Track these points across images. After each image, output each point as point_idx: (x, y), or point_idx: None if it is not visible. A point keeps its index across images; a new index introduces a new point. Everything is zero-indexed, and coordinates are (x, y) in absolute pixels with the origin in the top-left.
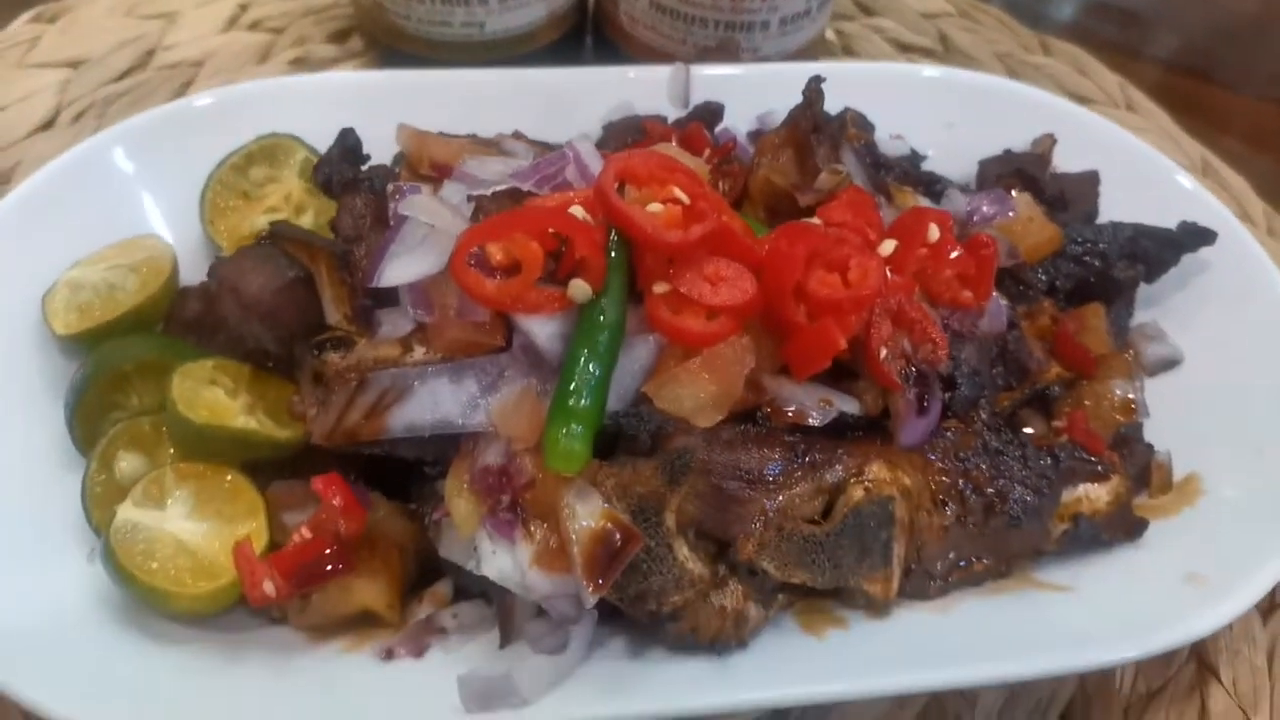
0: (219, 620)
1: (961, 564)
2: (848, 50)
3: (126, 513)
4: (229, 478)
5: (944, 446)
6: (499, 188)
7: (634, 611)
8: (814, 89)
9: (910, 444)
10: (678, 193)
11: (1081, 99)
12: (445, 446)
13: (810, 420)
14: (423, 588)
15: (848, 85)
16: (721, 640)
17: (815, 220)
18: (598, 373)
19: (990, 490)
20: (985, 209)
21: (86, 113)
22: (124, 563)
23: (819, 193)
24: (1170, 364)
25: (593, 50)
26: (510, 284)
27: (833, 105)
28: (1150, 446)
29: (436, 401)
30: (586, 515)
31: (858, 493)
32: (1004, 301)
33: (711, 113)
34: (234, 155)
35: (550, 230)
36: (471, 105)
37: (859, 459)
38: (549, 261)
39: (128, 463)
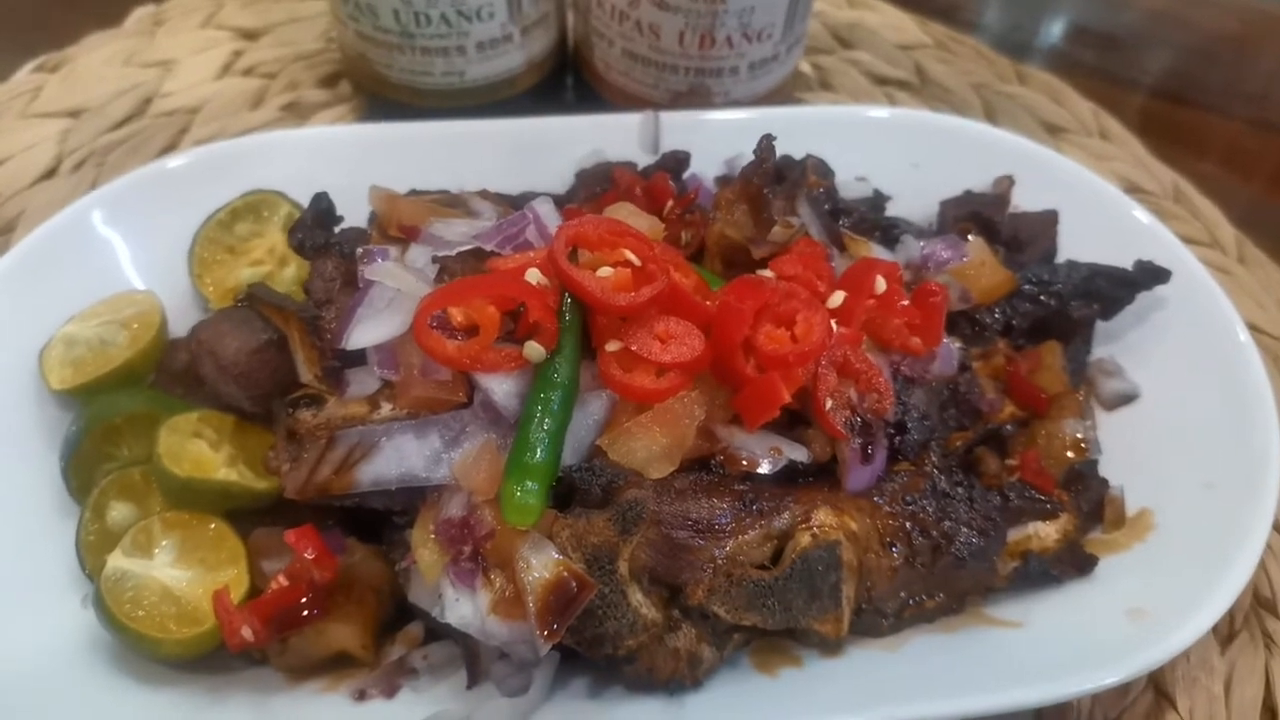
0: (206, 662)
1: (912, 602)
2: (824, 84)
3: (116, 561)
4: (213, 526)
5: (892, 490)
6: (464, 248)
7: (591, 654)
8: (765, 146)
9: (857, 490)
10: (628, 255)
11: (1056, 127)
12: (413, 497)
13: (761, 468)
14: (399, 627)
15: (815, 129)
16: (676, 681)
17: (768, 273)
18: (551, 429)
19: (936, 532)
20: (938, 254)
21: (86, 162)
22: (113, 610)
23: (773, 245)
24: (1127, 399)
25: (574, 93)
26: (469, 345)
27: (801, 148)
28: (1104, 482)
29: (402, 456)
30: (540, 566)
31: (805, 539)
32: (956, 344)
33: (677, 161)
34: (220, 211)
35: (505, 294)
36: (447, 155)
37: (806, 505)
38: (508, 321)
39: (119, 512)
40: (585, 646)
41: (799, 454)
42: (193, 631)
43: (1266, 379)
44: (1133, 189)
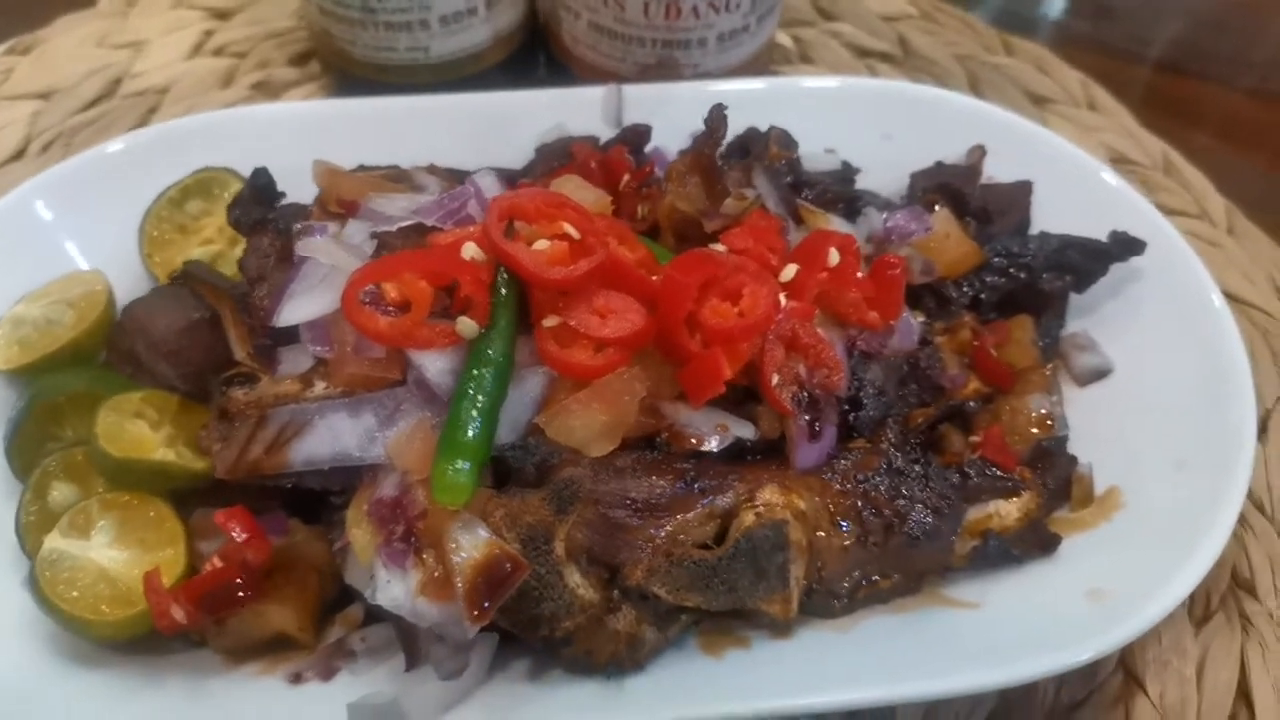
0: (147, 643)
1: (866, 582)
2: (805, 57)
3: (53, 542)
4: (153, 507)
5: (844, 468)
6: (404, 223)
7: (527, 637)
8: (715, 116)
9: (805, 467)
10: (567, 228)
11: (1042, 99)
12: (350, 477)
13: (708, 446)
14: (344, 609)
15: (784, 101)
16: (616, 663)
17: (720, 247)
18: (484, 406)
19: (888, 510)
20: (901, 226)
21: (54, 143)
22: (47, 591)
23: (725, 218)
24: (1100, 374)
25: (546, 69)
26: (401, 321)
27: (770, 120)
28: (1072, 459)
29: (335, 435)
30: (470, 546)
31: (749, 517)
32: (919, 319)
33: (638, 135)
34: (171, 189)
35: (436, 269)
36: (405, 131)
37: (751, 484)
38: (443, 297)
39: (60, 492)
40: (521, 628)
41: (746, 431)
42: (126, 613)
43: (1244, 354)
44: (1120, 160)
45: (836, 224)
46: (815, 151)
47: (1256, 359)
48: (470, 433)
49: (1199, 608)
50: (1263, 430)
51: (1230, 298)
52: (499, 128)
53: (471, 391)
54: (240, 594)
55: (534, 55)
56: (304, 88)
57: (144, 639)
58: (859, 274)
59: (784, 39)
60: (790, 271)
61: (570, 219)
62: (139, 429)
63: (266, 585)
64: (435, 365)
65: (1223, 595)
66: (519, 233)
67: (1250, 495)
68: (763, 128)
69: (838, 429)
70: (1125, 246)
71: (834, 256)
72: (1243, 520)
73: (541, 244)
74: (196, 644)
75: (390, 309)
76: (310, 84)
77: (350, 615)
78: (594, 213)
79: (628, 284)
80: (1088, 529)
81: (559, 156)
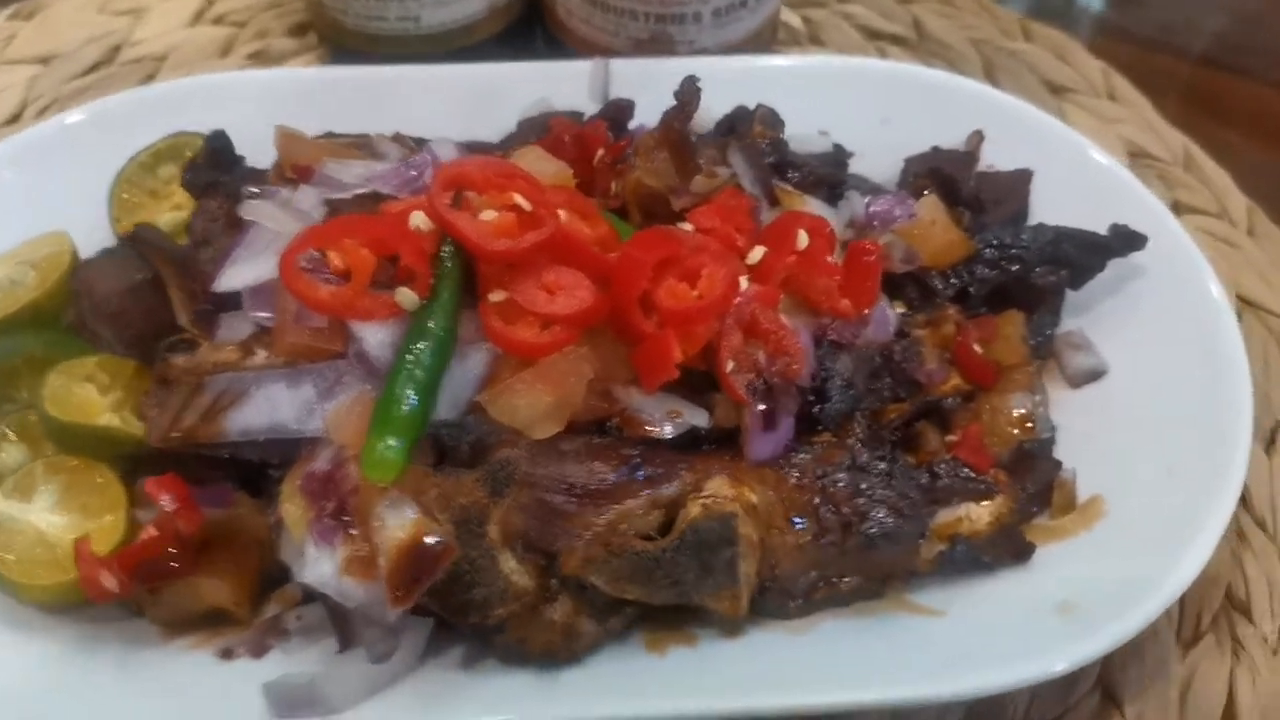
0: (88, 610)
1: (824, 583)
2: (814, 39)
3: None
4: (99, 472)
5: (804, 462)
6: (359, 191)
7: (458, 622)
8: (687, 89)
9: (760, 459)
10: (518, 200)
11: (1060, 87)
12: (289, 450)
13: (660, 432)
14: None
15: (779, 79)
16: (550, 654)
17: (687, 226)
18: (421, 381)
19: (847, 509)
20: (883, 211)
21: (50, 108)
22: None
23: (694, 196)
24: (1095, 375)
25: (544, 43)
26: (342, 290)
27: (765, 100)
28: (1056, 463)
29: (273, 406)
30: (397, 525)
31: (695, 509)
32: (897, 309)
33: (620, 110)
34: (142, 153)
35: (376, 236)
36: (387, 101)
37: (700, 474)
38: (389, 267)
39: (10, 454)
40: (451, 613)
41: (699, 418)
42: (60, 579)
43: (1245, 360)
44: (1139, 154)
45: (815, 207)
46: (808, 133)
47: (1270, 366)
48: (404, 408)
49: (1188, 628)
50: (1271, 442)
51: (1245, 301)
52: (483, 100)
53: (408, 365)
54: (172, 565)
55: (532, 29)
56: (303, 58)
57: (85, 605)
58: (833, 259)
59: (794, 19)
60: (758, 254)
61: (521, 190)
62: (86, 393)
63: (203, 557)
64: (376, 337)
65: (1215, 616)
66: (470, 203)
67: (1252, 511)
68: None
69: (801, 421)
70: (1125, 241)
71: (803, 239)
72: (1241, 537)
73: (488, 214)
74: (136, 613)
75: (333, 277)
76: (308, 54)
77: (288, 593)
78: (552, 185)
79: (581, 260)
80: (1066, 537)
81: (539, 130)
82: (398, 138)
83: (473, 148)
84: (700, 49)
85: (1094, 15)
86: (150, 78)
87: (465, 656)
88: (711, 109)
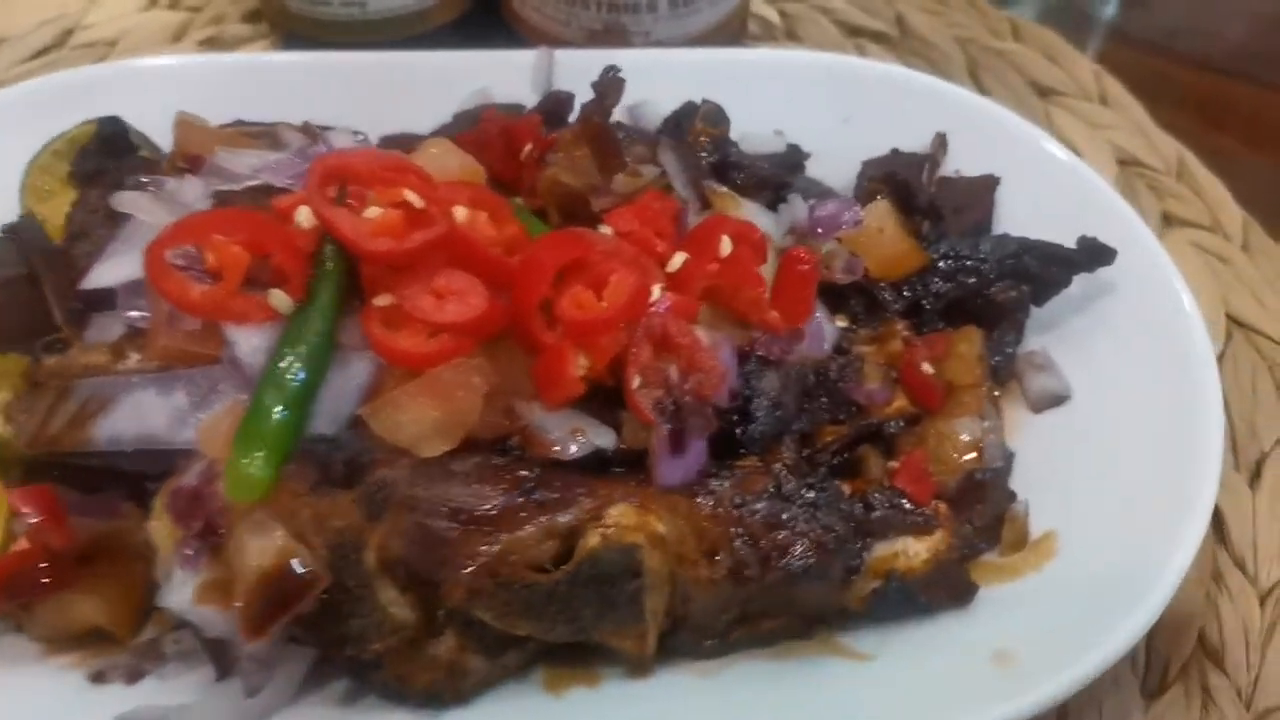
0: None
1: (743, 622)
2: (790, 35)
3: None
4: None
5: (720, 489)
6: (251, 183)
7: (333, 656)
8: (607, 80)
9: (668, 485)
10: (409, 196)
11: (1048, 90)
12: (167, 461)
13: (562, 453)
14: None
15: (734, 74)
16: (434, 694)
17: (607, 229)
18: (292, 391)
19: (765, 542)
20: (826, 217)
21: None
22: None
23: (615, 196)
24: (1057, 399)
25: (507, 32)
26: (214, 290)
27: (722, 96)
28: (1010, 495)
29: (141, 414)
30: (260, 550)
31: (594, 538)
32: (837, 323)
33: (559, 103)
34: (57, 140)
35: (248, 233)
36: (318, 89)
37: (601, 500)
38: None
39: None
40: (325, 646)
41: (605, 439)
42: None
43: (1218, 389)
44: (1129, 162)
45: (751, 211)
46: (761, 133)
47: (1258, 394)
48: (272, 421)
49: (1154, 677)
50: (1256, 475)
51: (1235, 321)
52: (415, 90)
53: (278, 374)
54: (43, 580)
55: (491, 17)
56: (256, 45)
57: None
58: (766, 268)
59: (769, 13)
60: (678, 261)
61: (412, 185)
62: None
63: (85, 571)
64: (250, 342)
65: (1185, 664)
66: (360, 198)
67: (1230, 549)
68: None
69: (723, 443)
70: (1093, 255)
71: (726, 246)
72: (1217, 578)
73: (373, 211)
74: (16, 628)
75: (208, 276)
76: (262, 41)
77: (167, 615)
78: (456, 182)
79: (479, 263)
80: (1014, 577)
81: (473, 123)
82: (305, 127)
83: (396, 140)
84: (656, 41)
85: (1106, 21)
86: (99, 63)
87: (347, 692)
88: (661, 105)
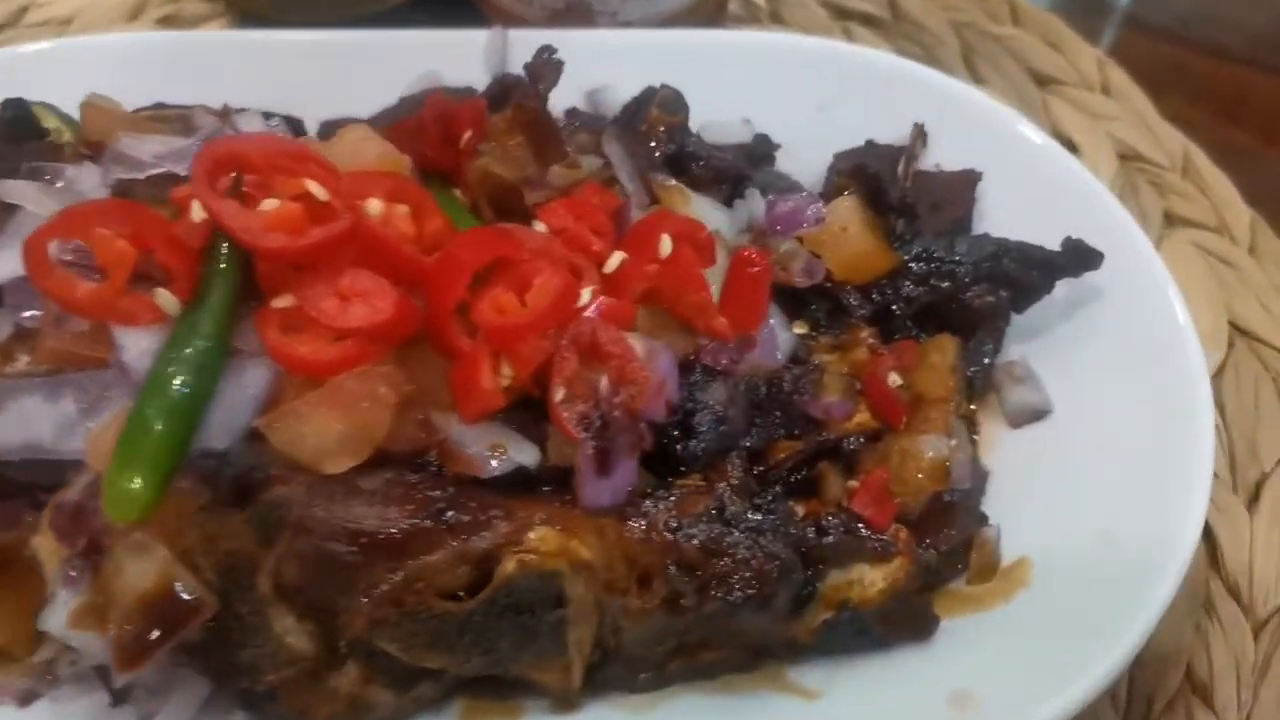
0: None
1: (680, 654)
2: (775, 17)
3: None
4: None
5: (654, 511)
6: (155, 171)
7: (225, 688)
8: (540, 61)
9: (594, 506)
10: (311, 187)
11: (1047, 78)
12: (61, 472)
13: (481, 470)
14: None
15: (697, 59)
16: None
17: (541, 225)
18: (176, 400)
19: (703, 570)
20: (786, 215)
21: None
22: None
23: (551, 189)
24: (1037, 414)
25: (468, 11)
26: (101, 288)
27: (688, 82)
28: (980, 519)
29: (25, 421)
30: (137, 573)
31: (511, 564)
32: (795, 331)
33: (507, 88)
34: None
35: (130, 227)
36: (259, 69)
37: (520, 523)
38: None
39: None
40: (217, 677)
41: (528, 455)
42: None
43: (1211, 406)
44: (1130, 157)
45: (702, 207)
46: (727, 121)
47: (1260, 409)
48: (154, 434)
49: (1136, 714)
50: (1254, 498)
51: (1238, 330)
52: (371, 71)
53: (161, 382)
54: None
55: None
56: (215, 23)
57: None
58: (715, 270)
59: None
60: (616, 261)
61: (314, 176)
62: None
63: None
64: (138, 345)
65: (1170, 701)
66: (263, 189)
67: (1224, 577)
68: (682, 89)
69: (662, 460)
70: (1078, 258)
71: (666, 245)
72: (1209, 608)
73: (270, 203)
74: None
75: (98, 274)
76: (220, 19)
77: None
78: (374, 172)
79: (390, 262)
80: (980, 609)
81: (418, 107)
82: (225, 110)
83: (335, 126)
84: (624, 22)
85: (1122, 7)
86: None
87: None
88: (623, 91)
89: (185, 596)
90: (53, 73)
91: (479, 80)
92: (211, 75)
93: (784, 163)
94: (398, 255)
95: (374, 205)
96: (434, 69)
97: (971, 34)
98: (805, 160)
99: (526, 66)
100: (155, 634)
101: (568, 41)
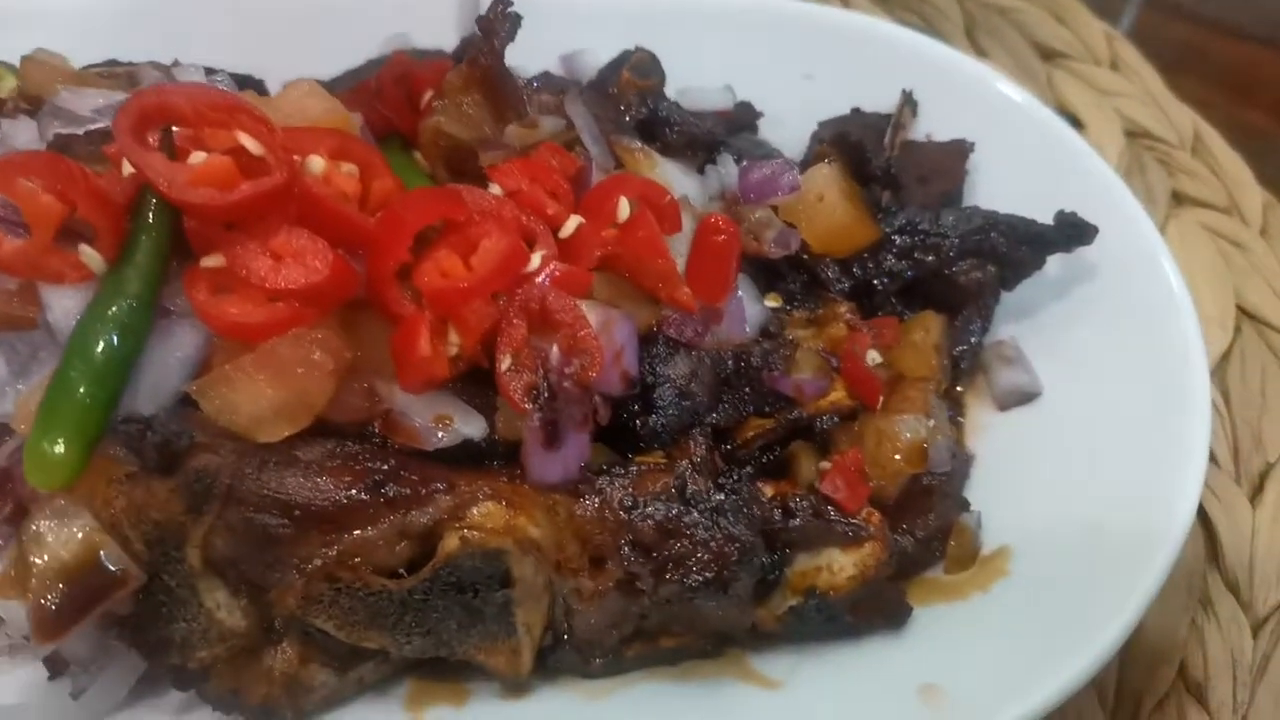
0: None
1: (638, 639)
2: None
3: None
4: None
5: (609, 488)
6: (96, 126)
7: (154, 664)
8: (495, 14)
9: (543, 481)
10: (245, 140)
11: (1053, 52)
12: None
13: (424, 442)
14: None
15: (684, 23)
16: (271, 710)
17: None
18: (100, 363)
19: (660, 551)
20: (759, 182)
21: None
22: None
23: (507, 150)
24: (1026, 396)
25: None
26: (27, 245)
27: (673, 46)
28: (961, 504)
29: None
30: (59, 542)
31: (453, 541)
32: (767, 304)
33: (466, 46)
34: None
35: (52, 180)
36: (227, 27)
37: (464, 497)
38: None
39: None
40: (146, 652)
41: (474, 428)
42: None
43: (1207, 391)
44: (1138, 134)
45: (671, 172)
46: (709, 87)
47: (1267, 396)
48: (77, 397)
49: (1125, 713)
50: (1258, 489)
51: (1246, 314)
52: (327, 30)
53: (84, 343)
54: None
55: None
56: None
57: None
58: (680, 236)
59: None
60: (572, 225)
61: (247, 129)
62: None
63: None
64: (63, 305)
65: (1161, 700)
66: (192, 143)
67: (1223, 571)
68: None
69: (622, 435)
70: (1070, 233)
71: (624, 208)
72: (1206, 604)
73: (199, 156)
74: None
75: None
76: None
77: None
78: (318, 129)
79: (329, 221)
80: (956, 599)
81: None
82: (175, 66)
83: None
84: None
85: None
86: None
87: (183, 702)
88: (601, 55)
89: (110, 567)
90: (15, 31)
91: (452, 42)
92: (180, 37)
93: (769, 133)
94: (336, 214)
95: (316, 163)
96: (405, 31)
97: (974, 5)
98: (791, 129)
99: (478, 20)
100: (78, 605)
101: (545, 5)
